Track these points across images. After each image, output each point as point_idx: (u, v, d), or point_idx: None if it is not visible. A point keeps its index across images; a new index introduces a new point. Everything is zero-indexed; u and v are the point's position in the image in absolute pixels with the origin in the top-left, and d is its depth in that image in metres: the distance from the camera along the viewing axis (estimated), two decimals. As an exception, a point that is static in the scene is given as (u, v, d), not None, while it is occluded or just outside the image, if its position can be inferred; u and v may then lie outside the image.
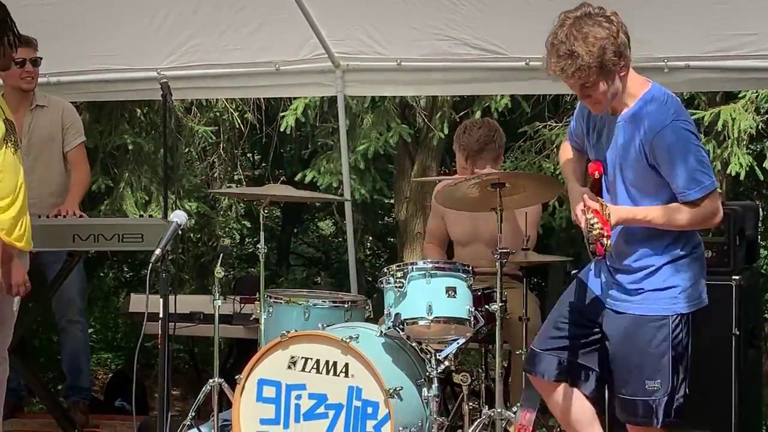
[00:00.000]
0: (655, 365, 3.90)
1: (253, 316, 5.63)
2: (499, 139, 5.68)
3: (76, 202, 6.13)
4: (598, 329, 4.06)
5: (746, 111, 7.50)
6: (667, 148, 3.80)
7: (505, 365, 5.27)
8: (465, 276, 4.94)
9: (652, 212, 3.87)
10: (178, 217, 4.46)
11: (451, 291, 4.88)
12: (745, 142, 7.58)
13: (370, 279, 11.65)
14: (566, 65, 3.74)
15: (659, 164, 3.84)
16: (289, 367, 4.86)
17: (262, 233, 5.52)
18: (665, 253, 3.92)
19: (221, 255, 5.73)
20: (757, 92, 7.44)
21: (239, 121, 9.00)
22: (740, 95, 7.58)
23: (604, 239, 3.76)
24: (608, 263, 4.02)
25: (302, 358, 4.84)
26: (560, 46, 3.74)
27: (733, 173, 7.48)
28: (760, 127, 7.61)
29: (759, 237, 5.75)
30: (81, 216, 6.00)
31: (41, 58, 6.11)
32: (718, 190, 3.89)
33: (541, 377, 4.20)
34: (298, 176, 8.74)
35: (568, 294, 4.23)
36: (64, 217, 5.88)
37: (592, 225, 3.75)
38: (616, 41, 3.75)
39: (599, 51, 3.72)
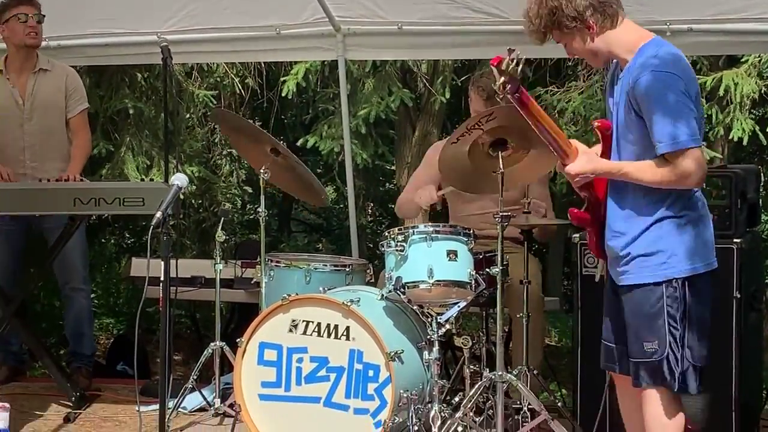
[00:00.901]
0: (650, 327, 3.90)
1: (254, 280, 5.65)
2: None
3: (79, 168, 6.13)
4: None
5: (749, 76, 7.48)
6: (644, 93, 3.78)
7: (506, 329, 5.27)
8: (466, 239, 4.95)
9: (627, 166, 3.87)
10: (179, 179, 4.45)
11: (452, 254, 4.88)
12: (747, 107, 7.57)
13: (372, 245, 11.65)
14: (529, 30, 3.98)
15: (644, 114, 3.82)
16: (290, 331, 4.88)
17: (262, 197, 5.53)
18: (652, 215, 3.89)
19: (222, 219, 5.74)
20: (759, 57, 7.42)
21: (240, 86, 8.98)
22: (743, 60, 7.56)
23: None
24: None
25: (303, 321, 4.85)
26: (528, 11, 3.96)
27: (736, 138, 7.47)
28: (762, 92, 7.59)
29: (760, 201, 5.74)
30: (81, 181, 6.00)
31: (44, 16, 6.09)
32: (699, 151, 3.79)
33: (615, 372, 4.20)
34: (300, 142, 8.73)
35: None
36: (66, 181, 5.88)
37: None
38: (572, 3, 3.85)
39: (549, 13, 3.89)
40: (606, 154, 4.03)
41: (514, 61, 3.75)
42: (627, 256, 3.94)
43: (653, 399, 3.92)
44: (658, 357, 3.89)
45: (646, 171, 3.83)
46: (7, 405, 5.08)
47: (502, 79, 3.78)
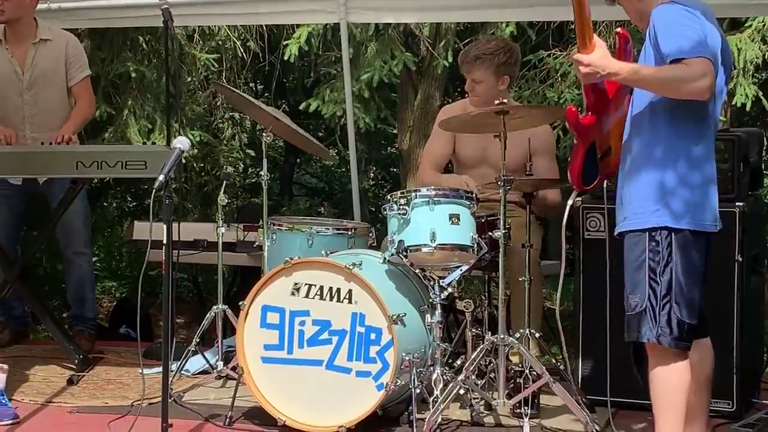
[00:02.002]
0: (633, 279, 3.93)
1: (257, 244, 5.66)
2: (503, 57, 5.59)
3: (71, 129, 6.11)
4: None
5: (752, 41, 7.44)
6: (654, 24, 3.83)
7: (508, 293, 5.28)
8: (468, 203, 4.95)
9: (639, 66, 3.88)
10: (181, 143, 4.45)
11: (454, 218, 4.89)
12: (751, 72, 7.53)
13: (374, 209, 11.65)
14: None
15: (658, 40, 3.83)
16: (293, 294, 4.89)
17: (264, 160, 5.52)
18: (651, 163, 3.90)
19: (225, 182, 5.74)
20: (764, 22, 7.38)
21: (242, 50, 8.94)
22: (746, 24, 7.52)
23: None
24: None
25: (306, 284, 4.86)
26: None
27: (739, 104, 7.44)
28: (766, 57, 7.56)
29: (763, 164, 5.73)
30: (71, 140, 5.97)
31: None
32: (708, 61, 3.75)
33: None
34: (302, 105, 8.71)
35: None
36: (59, 143, 5.86)
37: None
38: None
39: None
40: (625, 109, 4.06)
41: None
42: (623, 202, 3.99)
43: (652, 354, 3.93)
44: (639, 310, 3.91)
45: (659, 69, 3.81)
46: (5, 366, 5.11)
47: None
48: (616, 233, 4.04)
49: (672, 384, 3.87)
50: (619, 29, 4.18)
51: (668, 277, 3.88)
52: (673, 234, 3.87)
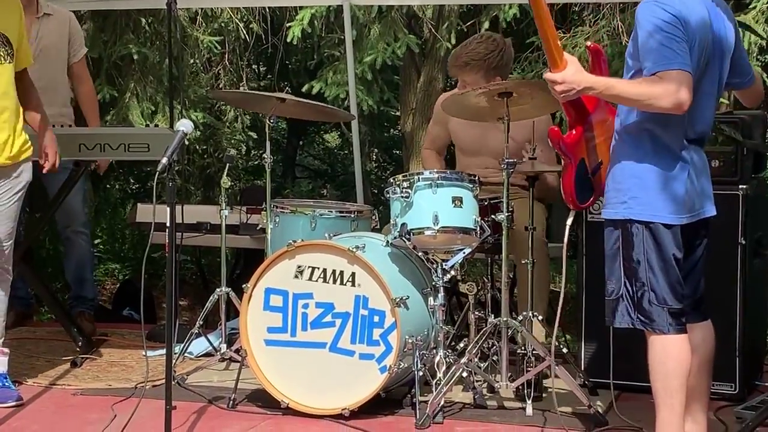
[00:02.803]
0: (609, 266, 3.95)
1: (260, 226, 5.65)
2: (494, 59, 5.53)
3: (98, 120, 6.15)
4: None
5: (756, 23, 7.41)
6: (639, 21, 3.81)
7: (511, 275, 5.29)
8: (471, 186, 4.95)
9: (612, 80, 3.88)
10: (184, 125, 4.44)
11: (457, 201, 4.89)
12: (755, 54, 7.51)
13: (376, 191, 11.66)
14: None
15: (639, 41, 3.83)
16: (296, 277, 4.89)
17: (268, 143, 5.52)
18: (624, 152, 3.92)
19: (228, 165, 5.74)
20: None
21: (244, 32, 8.93)
22: (751, 5, 7.49)
23: None
24: None
25: (309, 267, 4.87)
26: None
27: (743, 85, 7.41)
28: (771, 39, 7.54)
29: (767, 147, 5.72)
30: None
31: None
32: (685, 73, 3.73)
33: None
34: (305, 88, 8.70)
35: None
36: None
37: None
38: None
39: None
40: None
41: None
42: (605, 192, 4.01)
43: (661, 338, 3.93)
44: (615, 297, 3.94)
45: (631, 84, 3.81)
46: (6, 350, 5.11)
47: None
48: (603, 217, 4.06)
49: (669, 368, 3.88)
50: (589, 43, 4.16)
51: (642, 265, 3.89)
52: (643, 226, 3.88)
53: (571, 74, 3.83)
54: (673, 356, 3.89)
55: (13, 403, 4.93)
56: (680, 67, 3.73)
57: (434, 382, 4.81)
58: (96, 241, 8.93)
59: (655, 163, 3.86)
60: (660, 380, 3.88)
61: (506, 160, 4.86)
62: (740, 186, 4.96)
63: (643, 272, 3.89)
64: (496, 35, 5.83)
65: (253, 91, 5.93)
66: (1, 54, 4.83)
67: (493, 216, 4.99)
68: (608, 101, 4.08)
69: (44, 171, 5.17)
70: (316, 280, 4.86)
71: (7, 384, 5.03)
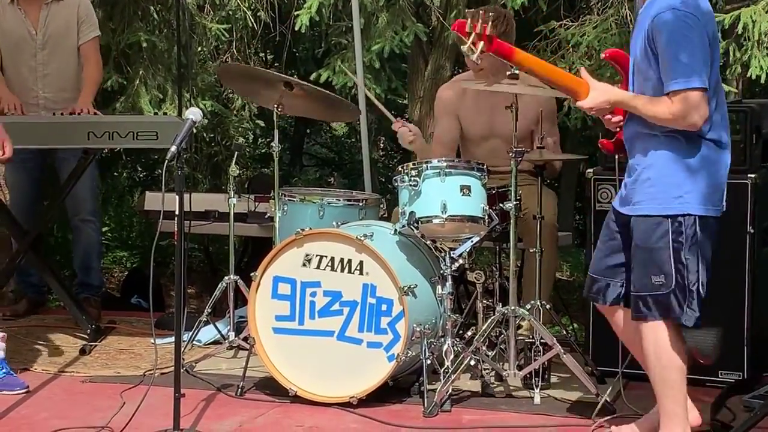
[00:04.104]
0: (657, 260, 3.93)
1: (268, 214, 5.66)
2: (503, 25, 5.49)
3: (90, 99, 6.13)
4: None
5: (766, 12, 7.38)
6: (662, 31, 3.83)
7: (519, 264, 5.29)
8: (479, 174, 4.95)
9: (637, 99, 3.92)
10: (193, 114, 4.44)
11: (465, 189, 4.89)
12: (765, 45, 7.48)
13: (383, 180, 11.65)
14: None
15: (658, 50, 3.86)
16: (304, 265, 4.90)
17: (276, 131, 5.52)
18: (667, 146, 3.92)
19: (236, 153, 5.74)
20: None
21: (252, 20, 8.91)
22: (759, -3, 7.47)
23: None
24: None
25: (317, 255, 4.87)
26: None
27: (753, 76, 7.40)
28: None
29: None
30: (95, 114, 6.00)
31: None
32: (701, 94, 3.80)
33: (601, 302, 4.24)
34: (313, 76, 8.69)
35: (608, 217, 4.26)
36: (79, 114, 5.88)
37: None
38: None
39: None
40: (624, 84, 4.07)
41: (479, 20, 3.75)
42: (636, 188, 3.98)
43: (659, 330, 3.93)
44: (665, 290, 3.93)
45: (650, 104, 3.87)
46: (4, 334, 5.11)
47: (470, 40, 3.78)
48: (628, 212, 4.02)
49: (678, 362, 3.92)
50: (604, 54, 4.16)
51: (694, 258, 3.91)
52: (697, 218, 3.91)
53: (595, 98, 3.92)
54: (683, 343, 3.93)
55: (21, 391, 4.95)
56: (700, 85, 3.80)
57: (442, 370, 4.82)
58: (104, 229, 8.93)
59: (700, 156, 3.90)
60: (666, 371, 3.95)
61: (515, 149, 4.86)
62: (749, 175, 4.95)
63: (695, 265, 3.92)
64: (495, 5, 5.83)
65: (262, 69, 5.89)
66: None
67: (501, 204, 4.99)
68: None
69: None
70: (324, 269, 4.87)
71: (10, 372, 5.03)
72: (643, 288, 3.97)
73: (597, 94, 3.96)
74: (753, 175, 4.96)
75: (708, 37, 3.87)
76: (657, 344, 3.94)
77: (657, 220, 3.92)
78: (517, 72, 4.91)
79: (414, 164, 4.99)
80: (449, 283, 4.92)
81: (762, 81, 7.31)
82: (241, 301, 5.79)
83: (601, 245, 4.24)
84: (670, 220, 3.90)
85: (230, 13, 8.88)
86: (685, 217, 3.90)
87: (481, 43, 3.88)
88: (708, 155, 3.93)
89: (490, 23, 3.91)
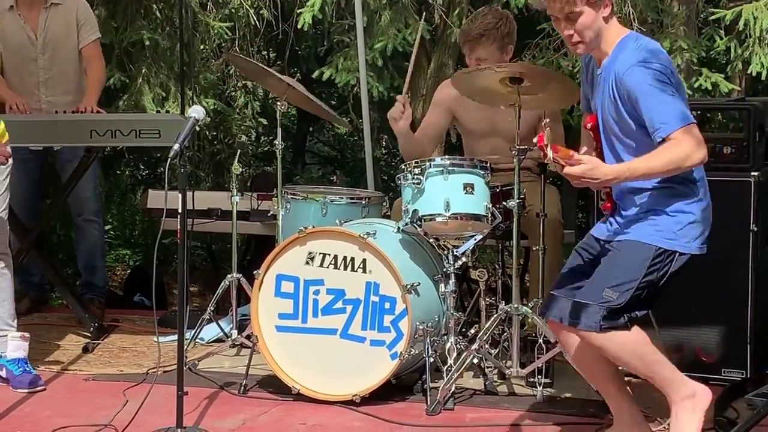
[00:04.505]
0: (621, 276, 3.87)
1: (271, 213, 5.66)
2: (505, 27, 5.54)
3: (94, 99, 6.14)
4: None
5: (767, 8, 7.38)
6: (633, 86, 3.81)
7: (522, 262, 5.28)
8: (483, 172, 4.95)
9: (633, 163, 3.84)
10: (196, 112, 4.44)
11: (468, 187, 4.89)
12: (766, 41, 7.48)
13: (386, 178, 11.65)
14: None
15: (632, 106, 3.84)
16: (307, 263, 4.90)
17: (279, 129, 5.52)
18: (656, 197, 3.92)
19: (239, 151, 5.75)
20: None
21: (255, 18, 8.91)
22: (759, -5, 7.46)
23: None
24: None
25: (320, 253, 4.87)
26: None
27: (754, 73, 7.40)
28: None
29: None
30: (99, 113, 6.01)
31: None
32: (693, 129, 3.78)
33: (560, 321, 4.18)
34: (315, 74, 8.68)
35: (582, 243, 4.24)
36: (83, 113, 5.89)
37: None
38: None
39: None
40: (599, 151, 4.04)
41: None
42: (629, 221, 3.96)
43: (598, 341, 3.89)
44: (607, 305, 3.85)
45: (653, 158, 3.79)
46: (27, 335, 5.16)
47: (551, 154, 3.73)
48: (618, 239, 3.98)
49: (639, 347, 3.90)
50: (589, 124, 4.08)
51: (654, 293, 3.91)
52: (677, 255, 3.90)
53: (587, 170, 3.77)
54: (629, 336, 3.89)
55: (40, 388, 4.97)
56: (691, 121, 3.78)
57: (445, 368, 4.82)
58: (107, 227, 8.94)
59: (694, 200, 3.91)
60: (637, 359, 3.91)
61: (517, 147, 4.86)
62: (752, 173, 4.95)
63: (649, 298, 3.91)
64: (496, 6, 5.82)
65: (267, 68, 5.89)
66: None
67: (504, 202, 4.99)
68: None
69: None
70: (327, 267, 4.87)
71: (28, 369, 5.05)
72: (589, 296, 3.90)
73: (590, 166, 3.77)
74: (756, 173, 4.95)
75: (675, 84, 3.87)
76: (614, 345, 3.91)
77: (644, 246, 3.90)
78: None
79: (417, 162, 4.99)
80: (452, 281, 4.92)
81: (763, 78, 7.30)
82: (243, 299, 5.79)
83: (566, 270, 4.21)
84: (657, 250, 3.88)
85: (233, 11, 8.87)
86: (674, 254, 3.89)
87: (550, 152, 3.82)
88: (699, 198, 3.93)
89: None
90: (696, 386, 3.96)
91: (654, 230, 3.89)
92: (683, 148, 3.76)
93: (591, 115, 4.05)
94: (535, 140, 3.70)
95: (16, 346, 5.07)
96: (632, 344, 3.89)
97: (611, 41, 3.96)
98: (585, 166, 3.77)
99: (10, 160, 4.99)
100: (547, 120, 3.87)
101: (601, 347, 3.90)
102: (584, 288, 3.95)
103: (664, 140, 3.76)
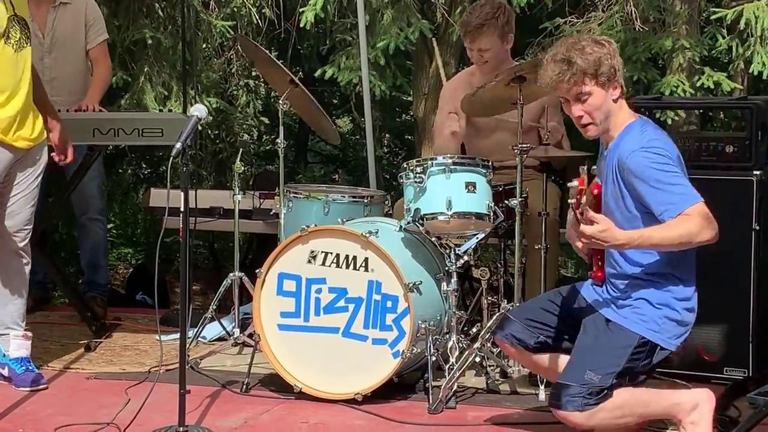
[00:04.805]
0: (604, 362, 3.89)
1: (273, 211, 5.66)
2: (503, 16, 5.55)
3: (97, 98, 6.14)
4: (576, 330, 4.08)
5: (769, 7, 7.39)
6: (635, 171, 3.84)
7: (524, 261, 5.28)
8: (485, 171, 4.95)
9: (647, 231, 3.83)
10: (198, 110, 4.44)
11: (470, 186, 4.89)
12: (768, 41, 7.48)
13: (388, 176, 11.65)
14: (562, 70, 3.92)
15: (636, 191, 3.86)
16: (309, 262, 4.90)
17: (281, 128, 5.52)
18: (653, 283, 3.94)
19: (241, 150, 5.75)
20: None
21: (257, 17, 8.91)
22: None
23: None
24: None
25: (322, 252, 4.87)
26: (558, 55, 3.95)
27: (756, 72, 7.40)
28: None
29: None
30: (100, 111, 6.01)
31: None
32: (703, 207, 3.80)
33: (510, 343, 4.20)
34: (318, 73, 8.69)
35: (563, 289, 4.26)
36: (85, 111, 5.89)
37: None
38: (612, 59, 3.94)
39: (595, 60, 3.90)
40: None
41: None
42: (623, 301, 3.97)
43: (597, 412, 3.90)
44: (587, 388, 3.87)
45: (667, 229, 3.80)
46: (30, 334, 5.16)
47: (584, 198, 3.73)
48: (604, 314, 3.99)
49: (626, 408, 3.93)
50: (595, 191, 4.01)
51: (632, 379, 3.93)
52: (658, 348, 3.93)
53: (599, 230, 3.78)
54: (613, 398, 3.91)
55: (37, 387, 4.98)
56: (700, 199, 3.79)
57: (447, 367, 4.82)
58: (109, 226, 8.95)
59: (681, 302, 3.93)
60: (628, 407, 3.94)
61: (520, 146, 4.86)
62: (755, 171, 4.95)
63: (624, 383, 3.92)
64: None
65: (275, 60, 5.87)
66: (23, 37, 4.83)
67: (506, 201, 4.99)
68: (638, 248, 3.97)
69: (61, 163, 5.19)
70: (329, 265, 4.87)
71: (30, 367, 5.06)
72: (571, 378, 3.91)
73: (603, 227, 3.78)
74: (758, 172, 4.95)
75: (678, 166, 3.88)
76: (612, 412, 3.92)
77: (629, 333, 3.91)
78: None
79: (419, 161, 4.99)
80: (454, 279, 4.92)
81: (765, 77, 7.30)
82: (246, 297, 5.79)
83: (544, 302, 4.23)
84: (640, 339, 3.90)
85: (235, 9, 8.88)
86: (656, 347, 3.92)
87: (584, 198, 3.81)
88: (687, 297, 3.95)
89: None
90: (696, 395, 4.00)
91: (639, 319, 3.92)
92: (695, 223, 3.77)
93: (598, 183, 4.00)
94: (576, 182, 3.69)
95: (19, 345, 5.07)
96: (619, 409, 3.92)
97: (619, 125, 3.98)
98: (599, 226, 3.77)
99: (44, 158, 4.97)
100: (584, 167, 3.82)
101: (584, 424, 3.92)
102: (566, 368, 3.97)
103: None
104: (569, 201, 3.72)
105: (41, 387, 5.00)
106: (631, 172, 3.86)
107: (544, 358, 4.22)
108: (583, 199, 3.72)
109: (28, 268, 5.10)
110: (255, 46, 5.98)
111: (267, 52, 5.84)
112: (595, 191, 3.95)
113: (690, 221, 3.77)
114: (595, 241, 3.79)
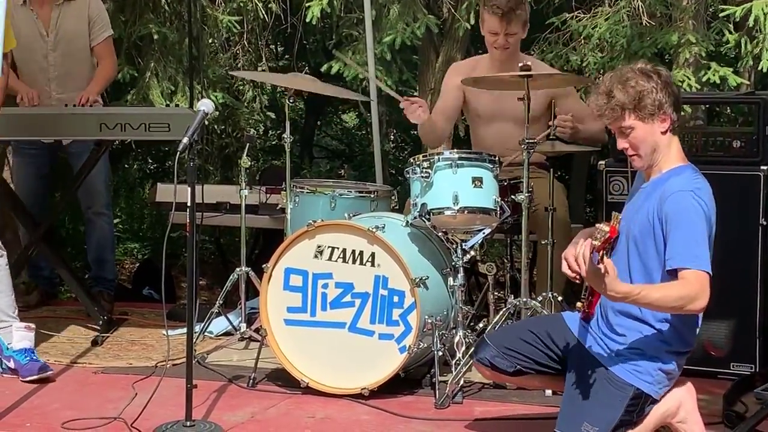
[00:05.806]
0: (601, 414, 3.87)
1: (279, 206, 5.67)
2: (527, 5, 5.60)
3: (96, 90, 6.13)
4: (560, 363, 4.06)
5: (772, 4, 7.36)
6: (671, 211, 3.79)
7: (531, 256, 5.28)
8: (491, 166, 4.95)
9: (647, 288, 3.79)
10: (205, 105, 4.44)
11: (477, 181, 4.89)
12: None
13: (394, 171, 11.65)
14: (602, 104, 3.89)
15: (665, 228, 3.81)
16: (316, 257, 4.90)
17: (287, 123, 5.53)
18: (653, 331, 3.91)
19: (247, 145, 5.75)
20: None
21: (263, 12, 8.91)
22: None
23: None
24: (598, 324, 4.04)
25: (329, 247, 4.88)
26: (601, 86, 3.92)
27: (765, 69, 7.39)
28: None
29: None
30: (96, 102, 5.99)
31: None
32: (706, 280, 3.75)
33: (485, 366, 4.17)
34: (324, 68, 8.69)
35: (545, 319, 4.25)
36: (83, 105, 5.88)
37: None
38: (656, 93, 3.86)
39: (636, 95, 3.84)
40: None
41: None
42: (618, 349, 3.94)
43: None
44: None
45: (667, 289, 3.77)
46: (33, 325, 5.17)
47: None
48: (603, 362, 3.95)
49: None
50: (609, 233, 4.02)
51: (628, 426, 3.91)
52: (650, 399, 3.91)
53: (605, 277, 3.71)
54: None
55: (45, 374, 4.99)
56: (709, 270, 3.76)
57: (454, 362, 4.82)
58: (115, 221, 8.96)
59: (676, 355, 3.91)
60: None
61: (526, 140, 4.86)
62: (762, 166, 4.94)
63: (626, 428, 3.90)
64: None
65: (271, 74, 5.90)
66: None
67: (513, 196, 5.00)
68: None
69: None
70: (336, 260, 4.87)
71: (35, 357, 5.07)
72: (566, 429, 3.89)
73: (609, 278, 3.70)
74: (765, 167, 4.95)
75: (711, 226, 3.84)
76: None
77: (624, 385, 3.88)
78: (529, 64, 4.92)
79: (425, 156, 5.00)
80: (461, 274, 4.92)
81: (772, 72, 7.28)
82: (252, 292, 5.81)
83: (513, 334, 4.18)
84: (636, 391, 3.87)
85: (241, 4, 8.87)
86: (649, 398, 3.90)
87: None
88: (678, 350, 3.93)
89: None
90: (677, 394, 3.98)
91: (634, 369, 3.89)
92: (693, 288, 3.72)
93: (614, 227, 3.95)
94: (607, 228, 3.58)
95: (22, 336, 5.08)
96: None
97: (669, 163, 3.92)
98: (609, 275, 3.68)
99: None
100: (618, 214, 3.77)
101: None
102: (561, 417, 3.94)
103: (675, 271, 3.75)
104: (593, 242, 3.65)
105: (48, 373, 5.00)
106: (668, 209, 3.80)
107: (522, 379, 4.20)
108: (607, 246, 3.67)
109: (3, 261, 5.09)
110: (252, 73, 5.98)
111: (265, 73, 5.82)
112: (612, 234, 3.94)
113: (691, 286, 3.72)
114: (597, 283, 3.73)
